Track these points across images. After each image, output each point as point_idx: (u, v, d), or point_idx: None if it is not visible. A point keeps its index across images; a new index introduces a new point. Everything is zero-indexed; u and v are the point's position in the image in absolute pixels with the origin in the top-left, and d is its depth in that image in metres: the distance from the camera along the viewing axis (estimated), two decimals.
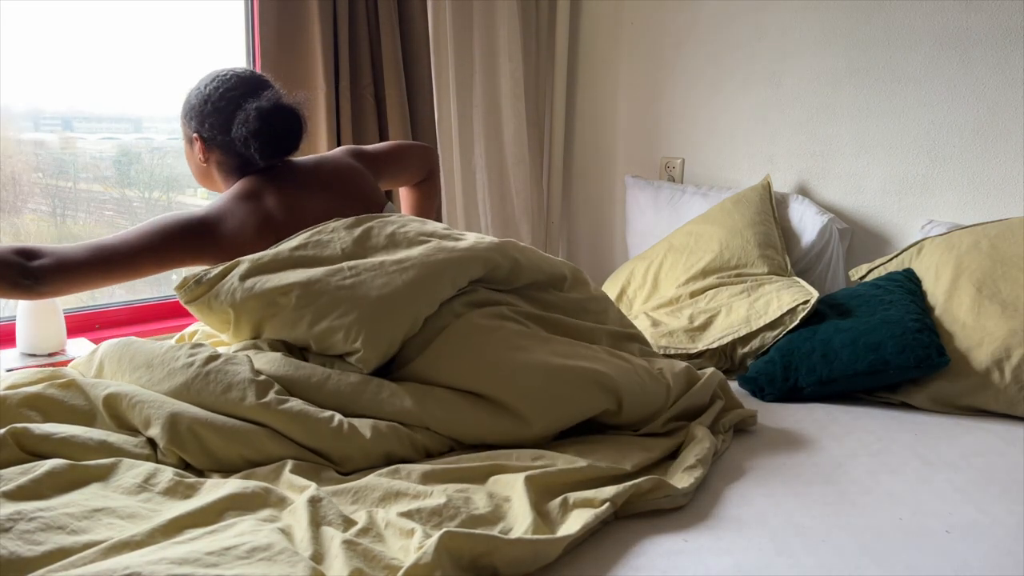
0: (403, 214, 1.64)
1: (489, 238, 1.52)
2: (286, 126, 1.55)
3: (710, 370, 1.53)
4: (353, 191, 1.66)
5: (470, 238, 1.51)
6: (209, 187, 1.69)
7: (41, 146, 2.12)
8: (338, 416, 1.26)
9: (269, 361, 1.34)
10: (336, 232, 1.48)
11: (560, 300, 1.54)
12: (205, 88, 1.60)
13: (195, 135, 1.62)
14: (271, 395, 1.25)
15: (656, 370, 1.45)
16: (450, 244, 1.46)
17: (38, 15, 1.99)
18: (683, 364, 1.51)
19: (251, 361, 1.32)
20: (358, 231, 1.48)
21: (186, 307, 1.44)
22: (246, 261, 1.42)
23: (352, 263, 1.41)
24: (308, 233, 1.48)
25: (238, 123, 1.53)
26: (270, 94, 1.57)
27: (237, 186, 1.58)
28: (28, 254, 1.39)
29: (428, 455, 1.29)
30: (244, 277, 1.40)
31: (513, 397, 1.31)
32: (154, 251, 1.47)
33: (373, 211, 1.64)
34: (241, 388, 1.25)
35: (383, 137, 2.38)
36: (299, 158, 1.67)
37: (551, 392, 1.32)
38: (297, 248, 1.44)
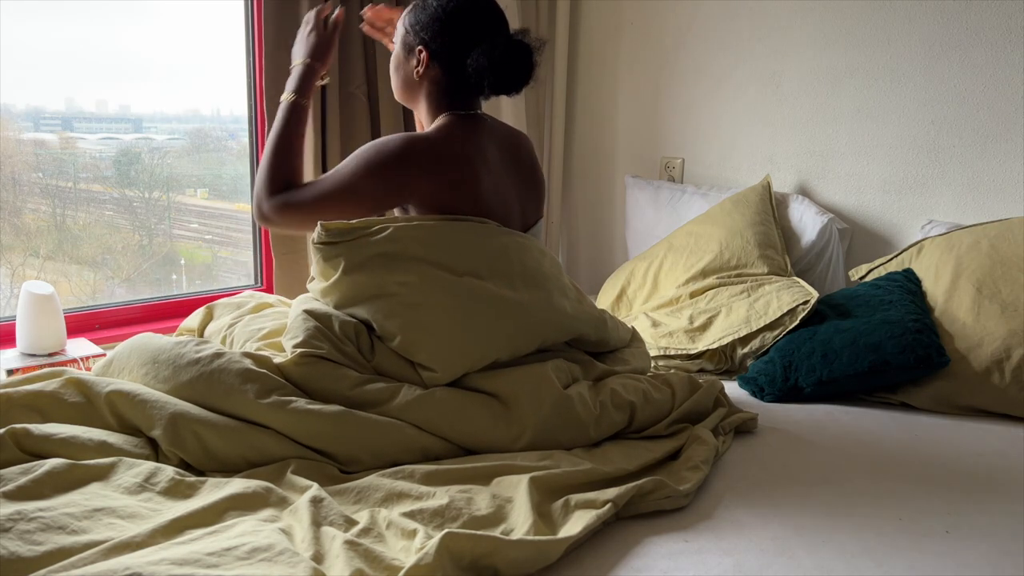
0: (538, 240, 1.61)
1: (590, 304, 1.57)
2: (524, 67, 1.51)
3: (711, 379, 1.56)
4: (532, 192, 1.63)
5: (574, 297, 1.53)
6: (407, 101, 1.61)
7: (41, 146, 2.12)
8: (345, 412, 1.26)
9: (307, 363, 1.31)
10: (480, 237, 1.45)
11: (618, 355, 1.61)
12: (449, 3, 1.51)
13: (421, 47, 1.52)
14: (273, 396, 1.25)
15: (661, 380, 1.49)
16: (559, 302, 1.47)
17: (38, 15, 1.99)
18: (686, 374, 1.55)
19: (255, 359, 1.31)
20: (497, 245, 1.45)
21: (313, 245, 1.42)
22: (388, 238, 1.39)
23: (474, 284, 1.39)
24: (461, 229, 1.43)
25: (481, 52, 1.46)
26: (508, 30, 1.53)
27: (454, 124, 1.52)
28: (284, 186, 1.50)
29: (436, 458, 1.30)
30: (376, 250, 1.38)
31: (529, 407, 1.32)
32: (384, 180, 1.44)
33: (531, 221, 1.63)
34: (245, 388, 1.25)
35: (377, 137, 2.37)
36: (497, 119, 1.64)
37: (565, 408, 1.34)
38: (440, 243, 1.41)
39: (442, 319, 1.36)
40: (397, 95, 1.62)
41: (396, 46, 1.58)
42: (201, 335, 1.61)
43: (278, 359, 1.33)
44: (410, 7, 1.56)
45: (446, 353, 1.35)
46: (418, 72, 1.53)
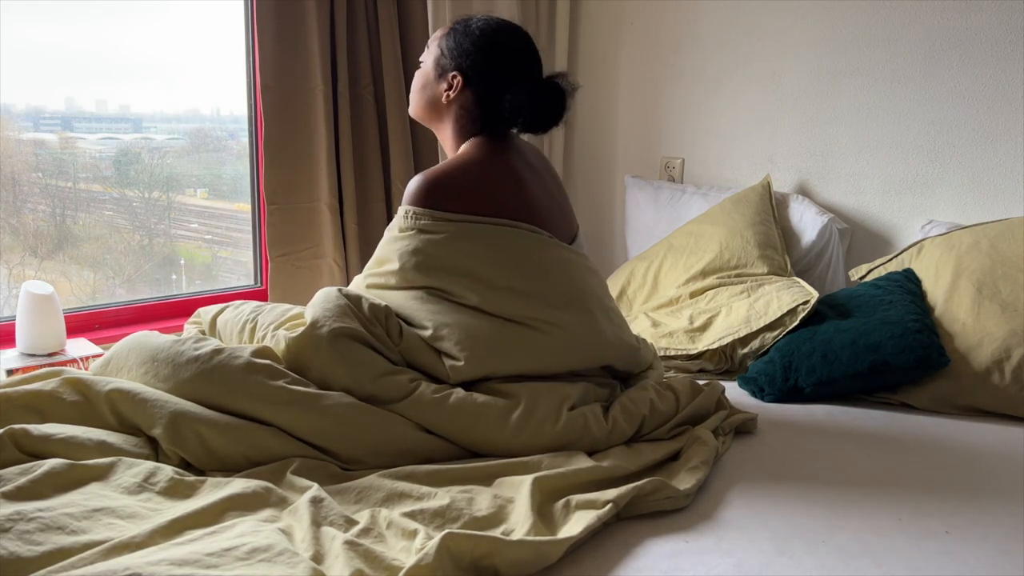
0: (584, 254, 1.60)
1: (628, 332, 1.56)
2: (559, 109, 1.50)
3: (713, 382, 1.56)
4: (565, 205, 1.62)
5: (616, 322, 1.52)
6: (427, 120, 1.60)
7: (41, 146, 2.12)
8: (350, 405, 1.26)
9: (328, 353, 1.31)
10: (535, 250, 1.44)
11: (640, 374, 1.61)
12: (491, 32, 1.51)
13: (456, 73, 1.51)
14: (280, 382, 1.25)
15: (664, 387, 1.50)
16: (602, 326, 1.47)
17: (38, 15, 1.99)
18: (688, 379, 1.55)
19: (256, 352, 1.31)
20: (550, 259, 1.46)
21: (391, 232, 1.45)
22: (447, 236, 1.40)
23: (520, 296, 1.40)
24: (518, 237, 1.44)
25: (522, 90, 1.46)
26: (542, 71, 1.54)
27: (481, 147, 1.51)
28: None
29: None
30: (444, 242, 1.40)
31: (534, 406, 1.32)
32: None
33: (571, 236, 1.61)
34: (248, 383, 1.24)
35: (383, 138, 2.38)
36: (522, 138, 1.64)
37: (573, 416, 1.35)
38: (494, 248, 1.42)
39: (481, 323, 1.37)
40: (416, 113, 1.60)
41: (426, 65, 1.57)
42: (212, 327, 1.60)
43: (298, 331, 1.33)
44: (448, 29, 1.55)
45: (471, 358, 1.35)
46: (448, 96, 1.52)
